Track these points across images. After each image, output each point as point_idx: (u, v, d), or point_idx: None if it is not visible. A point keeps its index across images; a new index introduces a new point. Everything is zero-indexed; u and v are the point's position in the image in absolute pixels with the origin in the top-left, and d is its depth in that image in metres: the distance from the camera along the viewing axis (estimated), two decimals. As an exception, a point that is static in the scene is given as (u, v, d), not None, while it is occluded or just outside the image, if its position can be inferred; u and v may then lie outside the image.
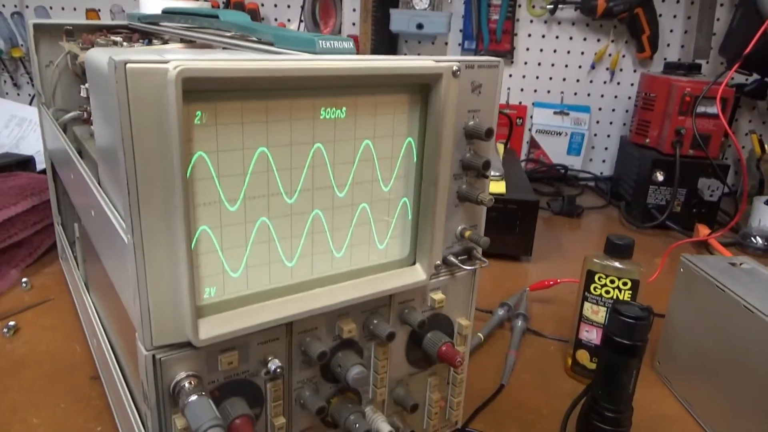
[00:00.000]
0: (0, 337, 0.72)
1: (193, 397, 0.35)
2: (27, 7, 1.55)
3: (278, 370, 0.40)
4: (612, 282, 0.64)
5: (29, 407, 0.60)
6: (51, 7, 1.54)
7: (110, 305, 0.56)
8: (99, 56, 0.40)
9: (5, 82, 1.63)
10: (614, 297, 0.64)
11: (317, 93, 0.38)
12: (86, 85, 0.64)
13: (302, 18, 1.42)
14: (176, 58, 0.31)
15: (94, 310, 0.62)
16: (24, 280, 0.85)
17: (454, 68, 0.41)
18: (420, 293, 0.47)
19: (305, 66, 0.35)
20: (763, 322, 0.54)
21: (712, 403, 0.61)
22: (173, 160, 0.32)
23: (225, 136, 0.35)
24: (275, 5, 1.50)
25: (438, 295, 0.48)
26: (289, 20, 1.49)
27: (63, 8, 1.55)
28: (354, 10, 1.48)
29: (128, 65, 0.30)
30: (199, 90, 0.32)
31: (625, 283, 0.64)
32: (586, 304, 0.66)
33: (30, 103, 1.56)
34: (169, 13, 0.66)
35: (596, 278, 0.65)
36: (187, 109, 0.33)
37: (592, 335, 0.67)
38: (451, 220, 0.47)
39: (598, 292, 0.65)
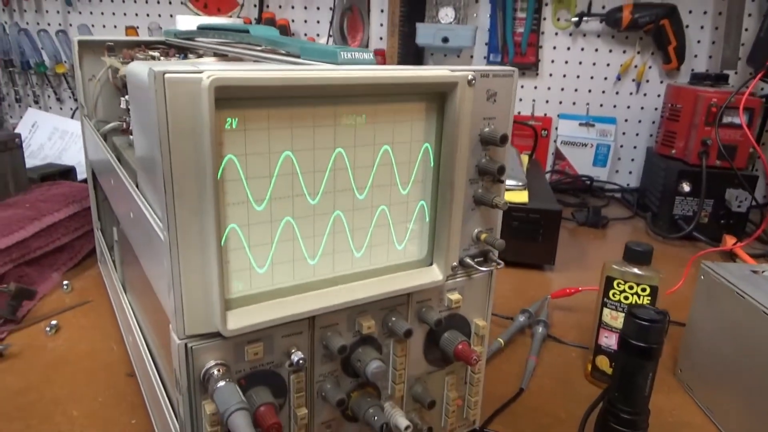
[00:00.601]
0: (42, 336, 0.76)
1: (221, 383, 0.38)
2: (71, 25, 1.64)
3: (301, 361, 0.42)
4: (631, 288, 0.65)
5: (70, 400, 0.64)
6: (93, 25, 1.62)
7: (146, 304, 0.59)
8: (139, 68, 0.43)
9: (49, 96, 1.72)
10: (633, 303, 0.65)
11: (338, 101, 0.40)
12: (126, 97, 0.68)
13: (331, 33, 1.47)
14: (209, 69, 0.34)
15: (131, 310, 0.66)
16: (65, 282, 0.90)
17: (469, 77, 0.44)
18: (437, 293, 0.49)
19: (327, 75, 0.38)
20: (782, 328, 0.54)
21: (734, 411, 0.61)
22: (205, 162, 0.35)
23: (253, 140, 0.38)
24: (305, 21, 1.54)
25: (455, 296, 0.50)
26: (318, 35, 1.53)
27: (104, 26, 1.63)
28: (381, 24, 1.52)
29: (166, 75, 0.33)
30: (229, 98, 0.35)
31: (644, 289, 0.65)
32: (606, 310, 0.67)
33: (72, 117, 1.63)
34: (203, 29, 0.70)
35: (615, 284, 0.66)
36: (219, 116, 0.36)
37: (611, 341, 0.67)
38: (467, 224, 0.49)
39: (617, 298, 0.66)
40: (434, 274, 0.48)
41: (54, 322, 0.78)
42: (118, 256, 0.73)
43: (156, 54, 0.78)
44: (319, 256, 0.43)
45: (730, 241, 1.10)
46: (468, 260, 0.50)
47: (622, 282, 0.65)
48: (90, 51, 0.85)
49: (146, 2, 1.59)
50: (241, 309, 0.40)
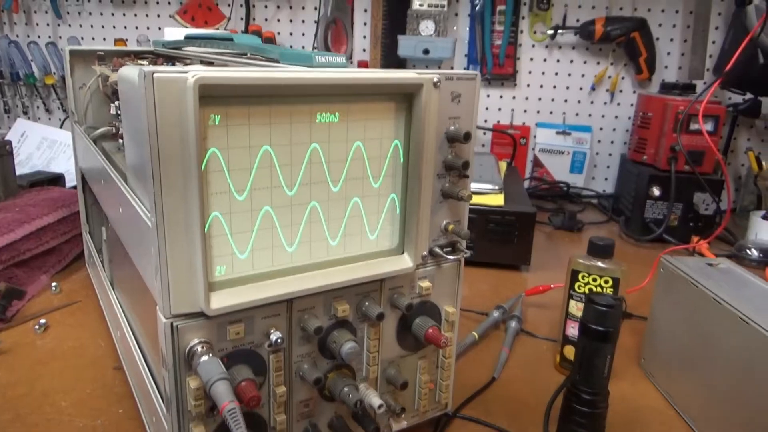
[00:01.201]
0: (32, 334, 0.79)
1: (205, 357, 0.41)
2: (60, 37, 1.67)
3: (279, 341, 0.45)
4: (594, 280, 0.69)
5: (58, 392, 0.66)
6: (82, 38, 1.65)
7: (133, 297, 0.62)
8: (130, 72, 0.47)
9: (38, 107, 1.74)
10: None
11: (313, 100, 0.44)
12: (117, 103, 0.71)
13: (315, 45, 1.51)
14: (194, 70, 0.38)
15: (119, 305, 0.69)
16: (53, 284, 0.92)
17: (435, 80, 0.48)
18: (408, 280, 0.53)
19: (301, 75, 0.41)
20: (733, 315, 0.58)
21: (690, 394, 0.65)
22: (190, 154, 0.39)
23: (235, 135, 0.41)
24: (290, 33, 1.59)
25: (425, 283, 0.54)
26: (303, 47, 1.58)
27: (93, 38, 1.66)
28: (364, 36, 1.56)
29: (155, 74, 0.37)
30: (213, 96, 0.39)
31: (606, 281, 0.69)
32: (572, 302, 0.71)
33: (60, 127, 1.66)
34: (189, 38, 0.73)
35: (580, 277, 0.70)
36: (204, 112, 0.39)
37: (577, 331, 0.71)
38: (436, 215, 0.53)
39: (582, 290, 0.70)
40: (405, 262, 0.51)
41: (43, 320, 0.80)
42: (106, 255, 0.75)
43: (144, 63, 0.81)
44: (296, 244, 0.47)
45: (696, 241, 1.15)
46: (437, 250, 0.53)
47: (587, 275, 0.69)
48: (81, 60, 0.88)
49: (135, 15, 1.62)
50: (224, 291, 0.43)
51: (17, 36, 1.67)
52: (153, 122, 0.38)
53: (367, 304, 0.50)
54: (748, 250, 1.15)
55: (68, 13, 1.65)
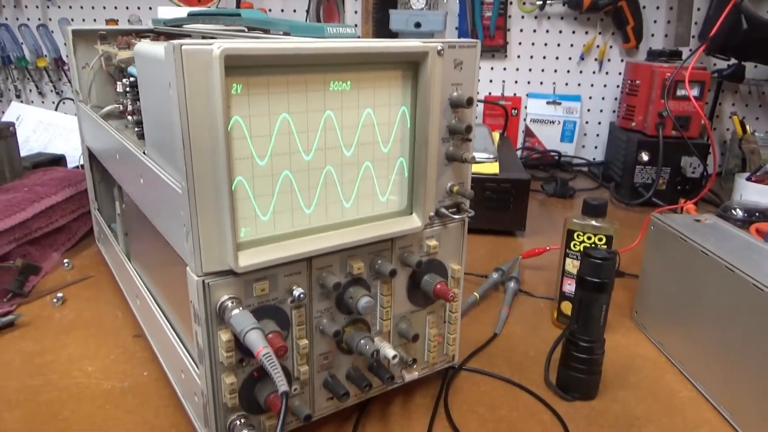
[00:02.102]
0: (50, 307, 0.82)
1: (236, 311, 0.45)
2: (50, 19, 1.67)
3: (301, 296, 0.49)
4: (589, 238, 0.73)
5: (84, 359, 0.70)
6: (72, 19, 1.65)
7: (154, 265, 0.65)
8: (150, 47, 0.49)
9: (30, 90, 1.74)
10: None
11: (327, 69, 0.47)
12: (125, 80, 0.73)
13: (306, 20, 1.52)
14: (218, 42, 0.41)
15: (137, 275, 0.72)
16: (65, 261, 0.95)
17: (438, 48, 0.51)
18: (417, 240, 0.56)
19: (318, 46, 0.44)
20: (719, 265, 0.62)
21: (680, 341, 0.69)
22: (217, 121, 0.41)
23: (255, 104, 0.44)
24: (282, 10, 1.60)
25: (433, 242, 0.57)
26: (295, 24, 1.58)
27: (84, 20, 1.66)
28: (356, 12, 1.58)
29: (183, 47, 0.39)
30: (235, 66, 0.42)
31: (600, 239, 0.72)
32: (568, 260, 0.75)
33: (56, 109, 1.67)
34: (193, 15, 0.75)
35: (575, 236, 0.74)
36: (226, 82, 0.42)
37: (573, 287, 0.75)
38: (441, 178, 0.56)
39: (578, 248, 0.74)
40: (414, 222, 0.55)
41: (60, 294, 0.83)
42: (120, 229, 0.78)
43: (147, 40, 0.83)
44: (314, 206, 0.50)
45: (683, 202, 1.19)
46: (443, 210, 0.57)
47: (582, 233, 0.73)
48: (83, 40, 0.89)
49: (125, -5, 1.62)
50: (250, 250, 0.46)
51: (6, 19, 1.67)
52: (182, 92, 0.40)
53: (379, 262, 0.54)
54: (733, 210, 1.20)
55: (57, -6, 1.64)
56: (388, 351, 0.54)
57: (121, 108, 0.80)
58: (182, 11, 1.28)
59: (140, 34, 0.90)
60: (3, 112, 1.72)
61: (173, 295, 0.59)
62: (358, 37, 0.51)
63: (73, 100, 1.68)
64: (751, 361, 0.57)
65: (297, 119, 0.47)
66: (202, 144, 0.42)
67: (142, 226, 0.67)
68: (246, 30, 0.69)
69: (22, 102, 1.74)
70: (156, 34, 0.90)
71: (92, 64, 0.90)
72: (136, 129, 0.71)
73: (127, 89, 0.74)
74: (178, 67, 0.40)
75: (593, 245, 0.73)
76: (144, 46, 0.51)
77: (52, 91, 1.73)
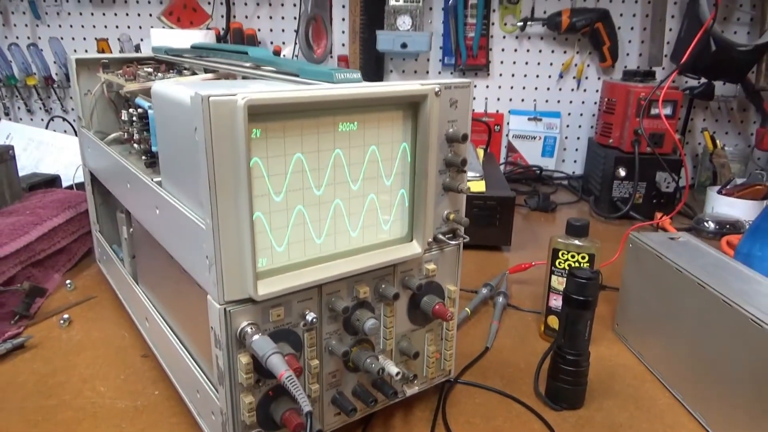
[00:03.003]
0: (57, 328, 0.84)
1: (257, 336, 0.48)
2: (39, 38, 1.68)
3: (314, 320, 0.53)
4: (573, 257, 0.78)
5: (95, 378, 0.73)
6: (62, 38, 1.67)
7: (166, 288, 0.68)
8: (171, 89, 0.53)
9: (19, 108, 1.76)
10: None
11: (337, 112, 0.51)
12: (131, 110, 0.76)
13: (297, 41, 1.56)
14: (242, 91, 0.45)
15: (146, 297, 0.75)
16: (68, 282, 0.97)
17: (436, 89, 0.55)
18: (417, 264, 0.61)
19: (331, 92, 0.48)
20: (691, 281, 0.68)
21: (658, 352, 0.75)
22: (240, 163, 0.45)
23: (273, 146, 0.48)
24: (271, 30, 1.64)
25: (431, 266, 0.62)
26: (284, 43, 1.63)
27: (73, 38, 1.68)
28: (343, 32, 1.62)
29: (211, 98, 0.43)
30: (256, 114, 0.46)
31: (583, 257, 0.78)
32: (553, 277, 0.80)
33: (46, 127, 1.68)
34: (198, 48, 0.79)
35: (560, 254, 0.79)
36: (248, 128, 0.46)
37: (559, 302, 0.80)
38: (438, 207, 0.61)
39: (562, 266, 0.79)
40: (414, 248, 0.59)
41: (66, 315, 0.86)
42: (127, 252, 0.81)
43: (150, 70, 0.87)
44: (324, 236, 0.54)
45: (660, 217, 1.26)
46: (440, 236, 0.61)
47: (566, 252, 0.78)
48: (85, 68, 0.92)
49: (115, 15, 1.65)
50: (267, 279, 0.50)
51: (-6, 37, 1.68)
52: (209, 138, 0.44)
53: (383, 286, 0.58)
54: (705, 223, 1.27)
55: (47, 13, 1.66)
56: (392, 369, 0.58)
57: (126, 135, 0.83)
58: (176, 33, 1.32)
59: (141, 62, 0.93)
60: (-9, 130, 1.73)
61: (187, 319, 0.62)
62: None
63: (62, 118, 1.70)
64: (722, 370, 0.62)
65: (309, 158, 0.51)
66: (225, 184, 0.46)
67: (153, 250, 0.70)
68: (250, 64, 0.73)
69: (10, 119, 1.75)
70: (157, 62, 0.93)
71: (94, 92, 0.93)
72: (143, 157, 0.74)
73: (134, 119, 0.77)
74: (206, 116, 0.44)
75: (576, 263, 0.78)
76: (163, 87, 0.55)
77: (41, 108, 1.75)
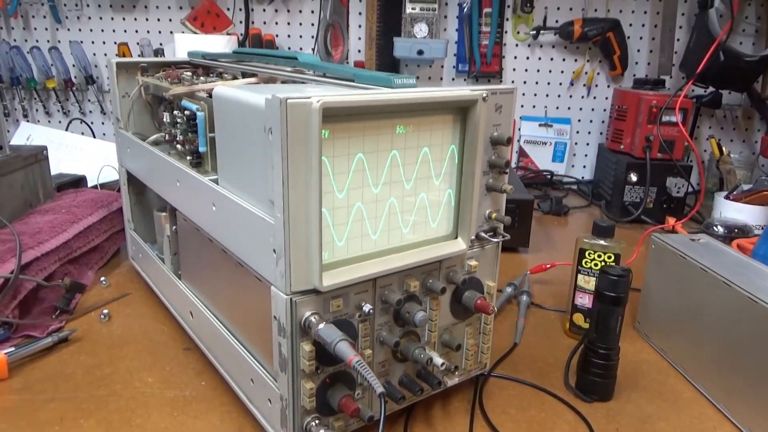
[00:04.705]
0: (97, 323, 0.87)
1: (322, 325, 0.51)
2: (59, 42, 1.71)
3: (370, 311, 0.56)
4: (599, 256, 0.82)
5: (142, 370, 0.75)
6: (82, 42, 1.70)
7: (217, 283, 0.71)
8: (237, 92, 0.56)
9: (37, 110, 1.78)
10: (603, 265, 0.81)
11: (395, 115, 0.55)
12: (176, 113, 0.79)
13: (315, 47, 1.60)
14: (315, 95, 0.48)
15: (190, 292, 0.78)
16: (102, 278, 1.00)
17: (484, 95, 0.59)
18: (460, 260, 0.64)
19: (397, 96, 0.52)
20: (716, 280, 0.71)
21: (681, 348, 0.78)
22: (312, 161, 0.49)
23: (339, 146, 0.52)
24: (288, 36, 1.67)
25: (473, 262, 0.65)
26: (301, 48, 1.66)
27: (93, 42, 1.71)
28: (359, 38, 1.66)
29: (288, 101, 0.47)
30: (327, 115, 0.49)
31: (609, 257, 0.81)
32: (579, 276, 0.84)
33: (66, 129, 1.71)
34: (241, 53, 0.82)
35: (586, 254, 0.82)
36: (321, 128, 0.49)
37: (585, 300, 0.84)
38: (481, 206, 0.64)
39: (589, 265, 0.82)
40: (459, 245, 0.62)
41: (105, 311, 0.89)
42: (169, 250, 0.84)
43: (188, 74, 0.90)
44: (379, 232, 0.57)
45: (671, 221, 1.29)
46: (482, 234, 0.65)
47: (592, 252, 0.82)
48: (124, 71, 0.95)
49: (135, 20, 1.68)
50: (330, 272, 0.53)
51: (15, 40, 1.71)
52: (285, 138, 0.47)
53: (430, 281, 0.61)
54: (715, 227, 1.30)
55: (67, 17, 1.69)
56: (438, 360, 0.61)
57: (167, 137, 0.86)
58: (199, 38, 1.35)
59: (178, 66, 0.96)
60: (8, 131, 1.76)
61: (240, 311, 0.65)
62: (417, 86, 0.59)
63: (81, 120, 1.73)
64: (746, 363, 0.65)
65: (369, 158, 0.54)
66: (297, 181, 0.49)
67: (200, 246, 0.73)
68: (291, 69, 0.76)
69: (28, 121, 1.78)
70: (194, 67, 0.96)
71: (132, 94, 0.96)
72: (188, 158, 0.77)
73: (178, 121, 0.80)
74: (282, 117, 0.47)
75: (602, 262, 0.81)
76: (228, 91, 0.58)
77: (59, 111, 1.77)
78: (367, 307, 0.56)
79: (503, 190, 0.63)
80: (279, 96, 0.47)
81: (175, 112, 0.81)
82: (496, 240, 0.66)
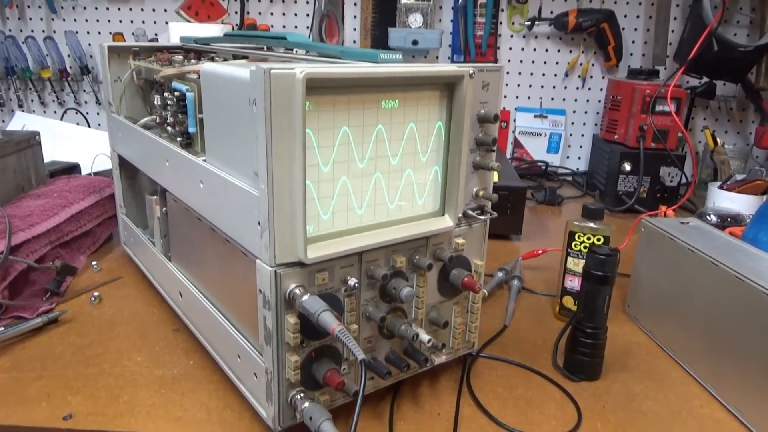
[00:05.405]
0: (88, 305, 0.87)
1: (306, 296, 0.52)
2: (54, 32, 1.71)
3: (355, 285, 0.56)
4: (588, 239, 0.82)
5: (131, 350, 0.75)
6: (77, 32, 1.70)
7: (204, 261, 0.71)
8: (224, 68, 0.56)
9: (32, 101, 1.78)
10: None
11: (380, 90, 0.55)
12: (166, 95, 0.79)
13: (310, 37, 1.60)
14: (300, 66, 0.48)
15: (179, 273, 0.78)
16: (93, 263, 1.00)
17: (471, 71, 0.59)
18: (447, 237, 0.64)
19: (381, 70, 0.52)
20: (705, 261, 0.71)
21: (670, 330, 0.78)
22: (295, 133, 0.49)
23: (323, 119, 0.52)
24: (283, 26, 1.67)
25: (460, 240, 0.65)
26: (296, 39, 1.66)
27: (88, 32, 1.71)
28: (354, 29, 1.66)
29: (272, 71, 0.47)
30: (311, 87, 0.49)
31: (599, 239, 0.81)
32: (569, 259, 0.84)
33: (61, 118, 1.71)
34: (232, 36, 0.82)
35: (576, 237, 0.82)
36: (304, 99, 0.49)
37: (574, 283, 0.84)
38: (468, 184, 0.64)
39: (578, 248, 0.83)
40: (446, 222, 0.62)
41: (96, 293, 0.89)
42: (159, 231, 0.84)
43: (180, 58, 0.90)
44: (364, 207, 0.57)
45: (663, 209, 1.30)
46: (470, 212, 0.65)
47: (582, 234, 0.82)
48: (116, 55, 0.95)
49: (130, 10, 1.68)
50: (314, 244, 0.53)
51: (9, 30, 1.71)
52: (268, 109, 0.47)
53: (417, 257, 0.61)
54: (708, 216, 1.30)
55: (62, 7, 1.69)
56: (424, 336, 0.62)
57: (158, 119, 0.86)
58: (194, 26, 1.35)
59: (170, 51, 0.96)
60: (3, 121, 1.76)
61: (227, 288, 0.65)
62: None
63: (76, 110, 1.73)
64: (733, 342, 0.66)
65: (354, 132, 0.54)
66: (282, 152, 0.49)
67: (189, 226, 0.73)
68: (283, 50, 0.76)
69: (23, 111, 1.77)
70: (185, 51, 0.96)
71: (124, 78, 0.96)
72: (178, 139, 0.77)
73: (168, 102, 0.80)
74: (266, 88, 0.47)
75: (592, 245, 0.81)
76: (215, 67, 0.58)
77: (54, 101, 1.77)
78: (352, 281, 0.56)
79: (490, 168, 0.63)
80: (263, 67, 0.47)
81: (166, 94, 0.81)
82: (483, 218, 0.66)
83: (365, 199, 0.57)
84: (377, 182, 0.58)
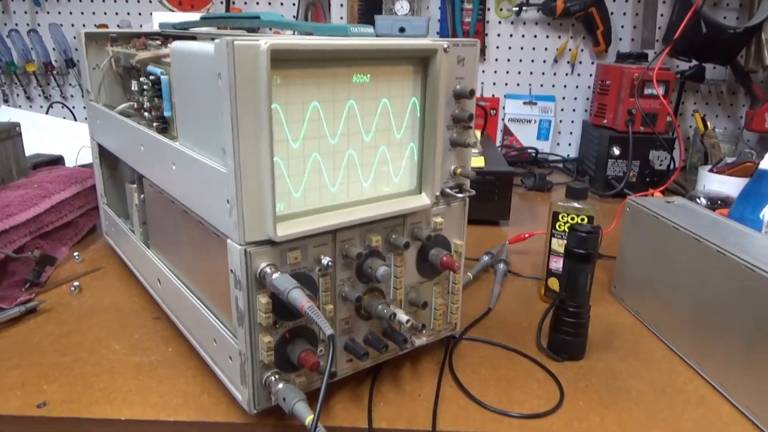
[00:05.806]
0: (68, 295, 0.86)
1: (277, 274, 0.51)
2: (39, 25, 1.69)
3: (329, 264, 0.55)
4: (572, 219, 0.81)
5: (110, 338, 0.74)
6: (61, 24, 1.68)
7: (179, 247, 0.70)
8: (192, 45, 0.55)
9: (18, 95, 1.76)
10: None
11: (351, 63, 0.54)
12: (142, 79, 0.78)
13: (295, 26, 1.58)
14: (264, 38, 0.47)
15: (158, 260, 0.77)
16: (75, 254, 0.99)
17: (445, 46, 0.58)
18: (425, 216, 0.63)
19: (350, 42, 0.51)
20: (689, 238, 0.70)
21: (655, 309, 0.77)
22: (261, 108, 0.48)
23: (291, 93, 0.51)
24: (269, 15, 1.65)
25: (438, 219, 0.64)
26: (282, 28, 1.64)
27: (73, 25, 1.69)
28: (341, 18, 1.64)
29: (235, 42, 0.46)
30: (278, 60, 0.48)
31: (582, 219, 0.80)
32: (554, 240, 0.83)
33: (46, 112, 1.69)
34: (207, 19, 0.81)
35: (560, 217, 0.82)
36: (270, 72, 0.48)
37: (559, 264, 0.83)
38: (446, 162, 0.63)
39: (562, 228, 0.82)
40: (423, 200, 0.61)
41: (76, 283, 0.88)
42: (138, 219, 0.83)
43: (157, 43, 0.88)
44: (337, 185, 0.56)
45: (652, 191, 1.29)
46: (448, 190, 0.64)
47: (566, 214, 0.81)
48: (94, 43, 0.94)
49: (114, 1, 1.66)
50: (285, 222, 0.52)
51: (-7, 24, 1.69)
52: (233, 82, 0.46)
53: (394, 236, 0.60)
54: (698, 199, 1.29)
55: (46, 0, 1.67)
56: (402, 316, 0.61)
57: (136, 105, 0.85)
58: (177, 16, 1.34)
59: (150, 37, 0.95)
60: (-10, 116, 1.74)
61: (202, 271, 0.64)
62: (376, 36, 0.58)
63: (62, 104, 1.71)
64: (716, 318, 0.65)
65: (325, 107, 0.53)
66: (247, 128, 0.48)
67: (165, 212, 0.72)
68: (259, 32, 0.75)
69: (9, 106, 1.76)
70: (164, 37, 0.95)
71: (102, 65, 0.94)
72: (154, 124, 0.76)
73: (144, 87, 0.79)
74: (230, 60, 0.46)
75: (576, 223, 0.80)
76: (183, 44, 0.57)
77: (39, 95, 1.75)
78: (326, 260, 0.55)
79: (467, 144, 0.62)
80: (226, 39, 0.46)
81: (142, 78, 0.79)
82: (461, 196, 0.65)
83: (338, 176, 0.56)
84: (350, 159, 0.56)
